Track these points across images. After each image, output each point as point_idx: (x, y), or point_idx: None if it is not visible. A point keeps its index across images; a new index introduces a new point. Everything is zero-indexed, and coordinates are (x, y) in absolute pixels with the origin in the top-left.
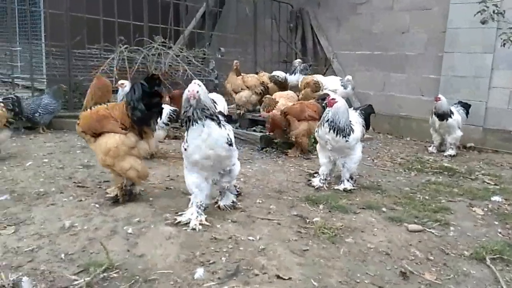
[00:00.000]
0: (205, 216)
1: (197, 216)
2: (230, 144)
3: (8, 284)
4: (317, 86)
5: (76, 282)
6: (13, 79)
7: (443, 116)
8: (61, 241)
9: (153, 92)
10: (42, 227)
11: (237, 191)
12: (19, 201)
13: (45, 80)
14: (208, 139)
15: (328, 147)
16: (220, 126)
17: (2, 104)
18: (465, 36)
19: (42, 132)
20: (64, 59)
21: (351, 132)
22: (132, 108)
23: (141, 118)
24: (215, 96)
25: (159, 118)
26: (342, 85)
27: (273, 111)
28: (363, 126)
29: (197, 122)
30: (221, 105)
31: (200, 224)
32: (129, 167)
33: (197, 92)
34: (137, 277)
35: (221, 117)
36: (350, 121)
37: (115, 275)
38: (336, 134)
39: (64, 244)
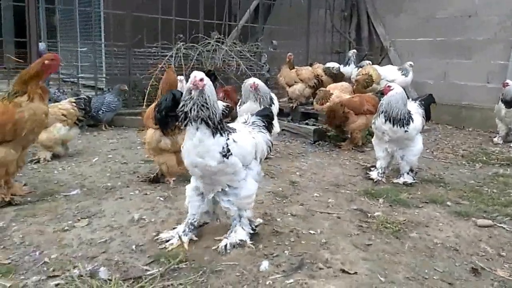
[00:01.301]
0: (191, 236)
1: (181, 236)
2: (225, 156)
3: (86, 273)
4: (367, 83)
5: (148, 272)
6: (78, 78)
7: (511, 103)
8: (131, 233)
9: (175, 104)
10: (113, 220)
11: (253, 227)
12: (89, 195)
13: (104, 79)
14: (199, 145)
15: (385, 138)
16: (218, 134)
17: (74, 104)
18: None
19: (104, 129)
20: (125, 58)
21: (410, 122)
22: (156, 111)
23: (159, 122)
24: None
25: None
26: (402, 74)
27: (330, 102)
28: (423, 117)
29: (191, 123)
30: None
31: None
32: (163, 162)
33: (202, 81)
34: (204, 268)
35: (228, 126)
36: (409, 111)
37: (183, 266)
38: (393, 124)
39: (134, 236)
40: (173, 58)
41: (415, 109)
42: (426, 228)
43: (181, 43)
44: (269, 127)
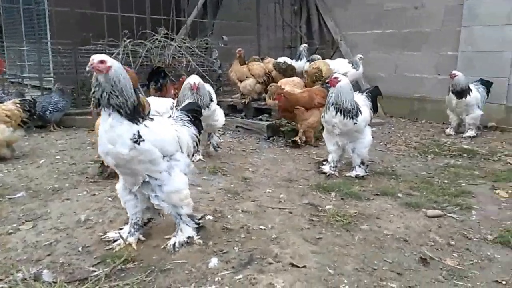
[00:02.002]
0: (138, 236)
1: (125, 238)
2: (136, 142)
3: (30, 277)
4: (317, 76)
5: (95, 273)
6: (22, 79)
7: (461, 93)
8: (77, 234)
9: None
10: (59, 222)
11: (196, 221)
12: (35, 198)
13: (52, 78)
14: (110, 131)
15: (335, 131)
16: (130, 121)
17: (18, 105)
18: (485, 7)
19: (53, 130)
20: (71, 56)
21: (359, 113)
22: None
23: None
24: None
25: None
26: (353, 67)
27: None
28: (371, 109)
29: (104, 109)
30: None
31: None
32: None
33: (103, 63)
34: (153, 267)
35: (144, 114)
36: (357, 103)
37: (131, 265)
38: (343, 116)
39: (81, 237)
40: (120, 56)
41: (363, 101)
42: (377, 220)
43: (128, 40)
44: (195, 122)
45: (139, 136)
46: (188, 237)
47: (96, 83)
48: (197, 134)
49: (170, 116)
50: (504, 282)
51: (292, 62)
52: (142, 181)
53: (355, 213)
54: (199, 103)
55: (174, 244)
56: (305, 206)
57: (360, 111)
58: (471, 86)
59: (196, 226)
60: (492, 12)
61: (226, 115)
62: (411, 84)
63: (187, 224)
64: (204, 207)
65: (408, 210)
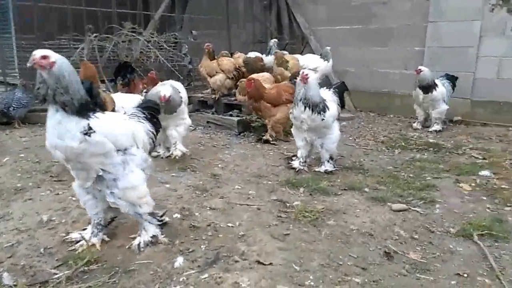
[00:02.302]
0: (102, 236)
1: (87, 239)
2: (87, 134)
3: None
4: (283, 61)
5: (56, 276)
6: None
7: (428, 88)
8: (40, 235)
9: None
10: (21, 222)
11: (158, 219)
12: None
13: (17, 74)
14: (58, 127)
15: (304, 127)
16: (79, 117)
17: None
18: (450, 3)
19: (17, 127)
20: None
21: (326, 109)
22: None
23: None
24: (174, 83)
25: None
26: (324, 60)
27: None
28: (338, 104)
29: (51, 105)
30: (182, 92)
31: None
32: None
33: (45, 59)
34: (117, 268)
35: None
36: (324, 99)
37: (95, 267)
38: (312, 111)
39: (43, 239)
40: (85, 50)
41: (330, 97)
42: (343, 215)
43: (93, 35)
44: (151, 119)
45: (90, 128)
46: (153, 236)
47: (41, 80)
48: (153, 131)
49: (125, 112)
50: (465, 275)
51: (262, 57)
52: (95, 176)
53: (323, 208)
54: (169, 111)
55: (139, 244)
56: (274, 203)
57: (327, 106)
58: (437, 81)
59: (159, 223)
60: (457, 8)
61: (196, 110)
62: (380, 79)
63: (149, 222)
64: (172, 205)
65: (374, 204)
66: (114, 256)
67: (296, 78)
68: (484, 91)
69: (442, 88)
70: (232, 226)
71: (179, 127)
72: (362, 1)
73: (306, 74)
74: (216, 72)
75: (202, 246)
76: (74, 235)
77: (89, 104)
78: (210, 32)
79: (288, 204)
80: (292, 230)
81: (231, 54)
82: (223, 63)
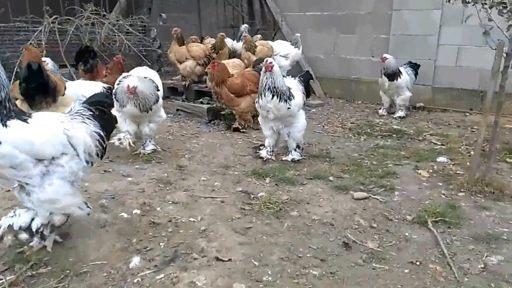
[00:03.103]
0: (53, 238)
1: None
2: None
3: None
4: (250, 42)
5: None
6: None
7: (393, 76)
8: None
9: (36, 74)
10: None
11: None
12: None
13: None
14: None
15: (270, 116)
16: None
17: None
18: None
19: None
20: None
21: (292, 98)
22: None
23: (23, 94)
24: (148, 72)
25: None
26: (295, 47)
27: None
28: (303, 93)
29: None
30: (159, 84)
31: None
32: None
33: None
34: (68, 271)
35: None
36: (289, 87)
37: (43, 270)
38: (279, 100)
39: None
40: (43, 34)
41: (295, 86)
42: (307, 205)
43: (53, 17)
44: (100, 117)
45: None
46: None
47: None
48: (101, 132)
49: (70, 110)
50: (418, 263)
51: (234, 43)
52: (16, 184)
53: (287, 199)
54: (139, 107)
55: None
56: (238, 194)
57: (293, 95)
58: (401, 69)
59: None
60: None
61: (166, 97)
62: (348, 65)
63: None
64: (132, 200)
65: (337, 193)
66: (65, 258)
67: (259, 64)
68: (444, 78)
69: (406, 76)
70: (193, 221)
71: (153, 123)
72: None
73: (271, 62)
74: (186, 58)
75: (161, 244)
76: (23, 235)
77: (6, 109)
78: (180, 15)
79: (252, 196)
80: (254, 223)
81: (202, 39)
82: (192, 49)
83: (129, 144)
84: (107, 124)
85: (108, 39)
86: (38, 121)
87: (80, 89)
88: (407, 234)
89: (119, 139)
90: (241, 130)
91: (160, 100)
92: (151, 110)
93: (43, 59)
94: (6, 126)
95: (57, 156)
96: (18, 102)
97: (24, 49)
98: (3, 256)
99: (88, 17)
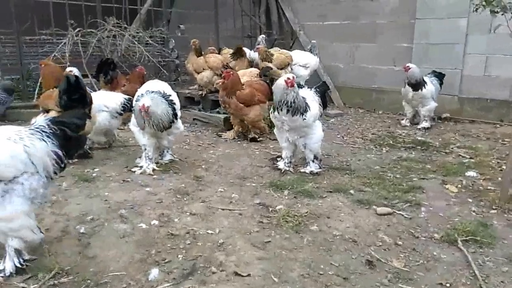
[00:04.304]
0: None
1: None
2: None
3: None
4: (267, 55)
5: None
6: None
7: (417, 85)
8: None
9: (75, 86)
10: None
11: (21, 262)
12: None
13: None
14: None
15: (285, 127)
16: None
17: None
18: (437, 0)
19: None
20: (14, 46)
21: (308, 109)
22: (58, 97)
23: (63, 107)
24: (159, 84)
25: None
26: (314, 54)
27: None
28: (320, 104)
29: None
30: (176, 103)
31: None
32: None
33: None
34: (88, 281)
35: None
36: (305, 98)
37: (64, 280)
38: (293, 114)
39: None
40: (67, 46)
41: (311, 97)
42: (327, 219)
43: (76, 30)
44: (61, 135)
45: None
46: (0, 270)
47: None
48: (59, 151)
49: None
50: (448, 284)
51: (251, 53)
52: None
53: (306, 212)
54: (154, 128)
55: None
56: (256, 207)
57: (308, 106)
58: (426, 78)
59: (19, 266)
60: (444, 5)
61: (183, 107)
62: (368, 75)
63: (10, 257)
64: (150, 210)
65: (359, 207)
66: (86, 268)
67: (268, 72)
68: (471, 88)
69: (431, 86)
70: (211, 234)
71: (171, 135)
72: None
73: (291, 79)
74: (203, 69)
75: (179, 256)
76: None
77: None
78: (198, 26)
79: (271, 209)
80: (273, 237)
81: (219, 50)
82: (210, 60)
83: (153, 170)
84: (69, 144)
85: (128, 50)
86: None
87: (102, 99)
88: (435, 253)
89: (141, 167)
90: (258, 140)
91: (179, 113)
92: (169, 128)
93: (70, 68)
94: None
95: (17, 175)
96: (53, 114)
97: (43, 65)
98: (27, 266)
99: (110, 30)
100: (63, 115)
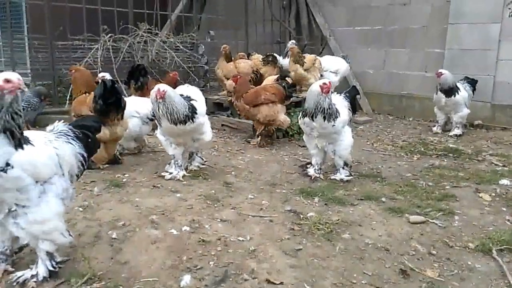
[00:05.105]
0: (5, 267)
1: None
2: (3, 170)
3: None
4: (300, 57)
5: None
6: None
7: (450, 92)
8: None
9: (111, 90)
10: None
11: (54, 265)
12: None
13: (29, 74)
14: None
15: (314, 134)
16: (17, 147)
17: None
18: (470, 6)
19: (27, 130)
20: (47, 52)
21: (338, 115)
22: (93, 102)
23: (99, 111)
24: (190, 89)
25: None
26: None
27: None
28: (349, 109)
29: None
30: (199, 98)
31: None
32: None
33: (8, 82)
34: (121, 286)
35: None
36: (335, 104)
37: (97, 285)
38: (327, 120)
39: None
40: (99, 51)
41: (340, 102)
42: (359, 227)
43: (108, 36)
44: (84, 138)
45: (7, 164)
46: (33, 276)
47: None
48: (83, 153)
49: (52, 129)
50: None
51: (280, 59)
52: (7, 210)
53: (338, 220)
54: (168, 117)
55: (18, 279)
56: (287, 214)
57: (338, 112)
58: (459, 85)
59: (52, 269)
60: (477, 10)
61: (211, 113)
62: (399, 81)
63: (42, 261)
64: (181, 216)
65: (391, 215)
66: (119, 273)
67: (287, 77)
68: (504, 95)
69: (464, 92)
70: (242, 240)
71: (197, 142)
72: (382, 2)
73: (326, 84)
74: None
75: (210, 263)
76: None
77: (20, 134)
78: (228, 32)
79: (301, 216)
80: (305, 244)
81: (248, 55)
82: (240, 66)
83: (183, 176)
84: (89, 147)
85: (158, 56)
86: (37, 142)
87: (133, 105)
88: (469, 262)
89: (170, 173)
90: (260, 144)
91: (199, 118)
92: (184, 123)
93: (102, 74)
94: (17, 149)
95: (51, 176)
96: None
97: (73, 70)
98: (60, 270)
99: (141, 36)
100: (81, 120)
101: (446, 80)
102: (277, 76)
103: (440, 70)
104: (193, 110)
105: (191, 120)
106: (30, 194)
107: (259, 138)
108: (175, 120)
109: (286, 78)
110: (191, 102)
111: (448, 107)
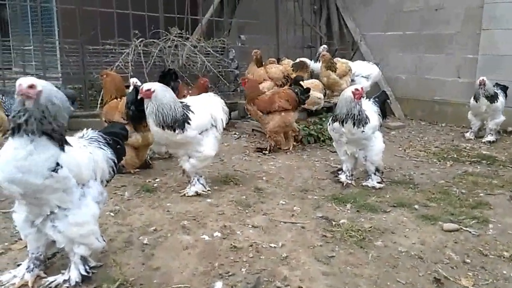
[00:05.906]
0: (38, 272)
1: (24, 274)
2: (54, 170)
3: None
4: (332, 63)
5: None
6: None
7: (492, 98)
8: None
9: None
10: None
11: (87, 269)
12: None
13: (60, 78)
14: (26, 159)
15: (343, 140)
16: (61, 149)
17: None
18: (504, 11)
19: None
20: (78, 56)
21: (368, 121)
22: (126, 108)
23: (131, 117)
24: (212, 99)
25: None
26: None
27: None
28: (379, 114)
29: (27, 135)
30: (218, 107)
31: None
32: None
33: (32, 88)
34: None
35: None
36: (365, 110)
37: None
38: (354, 125)
39: None
40: (130, 56)
41: (370, 107)
42: (392, 235)
43: (139, 40)
44: (114, 145)
45: (57, 164)
46: (65, 281)
47: (21, 108)
48: (115, 159)
49: (83, 135)
50: None
51: (311, 64)
52: (49, 212)
53: (370, 227)
54: (154, 117)
55: (50, 285)
56: (319, 220)
57: (368, 118)
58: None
59: (86, 273)
60: (510, 16)
61: (242, 117)
62: (432, 86)
63: (75, 265)
64: (212, 222)
65: (425, 223)
66: (151, 279)
67: (301, 82)
68: None
69: (502, 98)
70: (274, 247)
71: (193, 159)
72: (414, 7)
73: (359, 90)
74: (264, 80)
75: (242, 269)
76: (5, 277)
77: (64, 136)
78: (259, 36)
79: (334, 222)
80: (337, 251)
81: (278, 60)
82: (271, 71)
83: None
84: (119, 154)
85: (188, 60)
86: (76, 145)
87: None
88: (505, 272)
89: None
90: (263, 152)
91: (193, 131)
92: (172, 129)
93: (132, 79)
94: (64, 150)
95: (89, 179)
96: None
97: (104, 75)
98: (92, 275)
99: (172, 40)
100: (110, 127)
101: (490, 86)
102: (317, 81)
103: (482, 78)
104: (184, 119)
105: (180, 129)
106: (73, 196)
107: (269, 147)
108: (161, 123)
109: (300, 83)
110: (188, 111)
111: (487, 113)
